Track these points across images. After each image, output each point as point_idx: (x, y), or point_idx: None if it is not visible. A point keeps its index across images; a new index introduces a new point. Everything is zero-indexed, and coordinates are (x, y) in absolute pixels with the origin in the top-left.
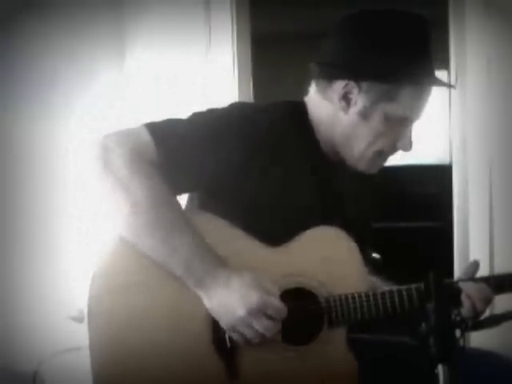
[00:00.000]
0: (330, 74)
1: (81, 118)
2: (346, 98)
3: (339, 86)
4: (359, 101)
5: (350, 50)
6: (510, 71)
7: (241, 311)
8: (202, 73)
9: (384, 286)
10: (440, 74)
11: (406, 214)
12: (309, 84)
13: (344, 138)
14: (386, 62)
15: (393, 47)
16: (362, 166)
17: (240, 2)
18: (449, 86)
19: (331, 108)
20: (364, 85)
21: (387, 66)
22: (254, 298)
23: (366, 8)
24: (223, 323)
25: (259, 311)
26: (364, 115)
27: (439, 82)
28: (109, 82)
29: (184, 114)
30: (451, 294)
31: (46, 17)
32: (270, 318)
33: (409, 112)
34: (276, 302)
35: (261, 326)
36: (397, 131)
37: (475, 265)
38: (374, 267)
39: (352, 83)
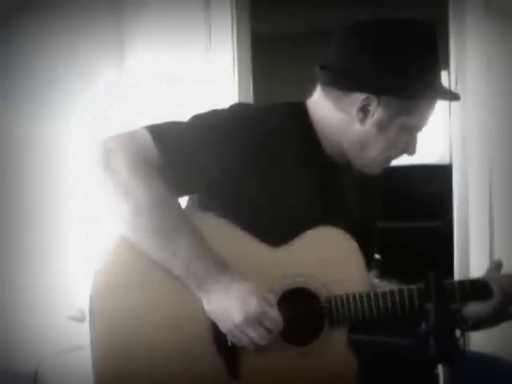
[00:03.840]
0: (346, 85)
1: (81, 118)
2: (364, 109)
3: (358, 98)
4: (377, 113)
5: (365, 63)
6: (510, 71)
7: (238, 318)
8: (201, 73)
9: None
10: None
11: (406, 214)
12: (314, 88)
13: (355, 146)
14: (404, 77)
15: (410, 61)
16: (368, 170)
17: (240, 1)
18: (457, 98)
19: (343, 116)
20: (383, 99)
21: (406, 81)
22: (252, 306)
23: (367, 9)
24: (221, 327)
25: (256, 320)
26: (381, 127)
27: (452, 95)
28: (109, 81)
29: (184, 114)
30: (474, 290)
31: (46, 17)
32: (265, 328)
33: (421, 122)
34: (274, 314)
35: (256, 335)
36: (407, 138)
37: (499, 263)
38: (376, 269)
39: (372, 97)
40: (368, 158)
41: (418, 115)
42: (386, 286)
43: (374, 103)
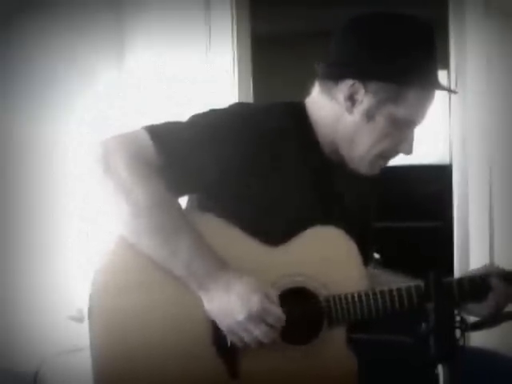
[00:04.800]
0: (336, 73)
1: (81, 118)
2: (351, 97)
3: (345, 85)
4: (365, 101)
5: (357, 51)
6: (510, 71)
7: (240, 316)
8: (201, 73)
9: (390, 278)
10: (440, 74)
11: (406, 214)
12: (312, 85)
13: (346, 139)
14: (393, 64)
15: (400, 50)
16: (362, 169)
17: (240, 1)
18: (452, 91)
19: (335, 108)
20: (370, 85)
21: (394, 67)
22: (254, 303)
23: (367, 9)
24: (222, 326)
25: (258, 317)
26: (369, 116)
27: (443, 87)
28: (109, 81)
29: (184, 114)
30: (473, 288)
31: (46, 17)
32: (268, 324)
33: (413, 115)
34: (275, 310)
35: (259, 331)
36: (399, 134)
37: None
38: (373, 264)
39: (358, 83)
40: (359, 153)
41: (407, 106)
42: (383, 275)
43: (362, 90)
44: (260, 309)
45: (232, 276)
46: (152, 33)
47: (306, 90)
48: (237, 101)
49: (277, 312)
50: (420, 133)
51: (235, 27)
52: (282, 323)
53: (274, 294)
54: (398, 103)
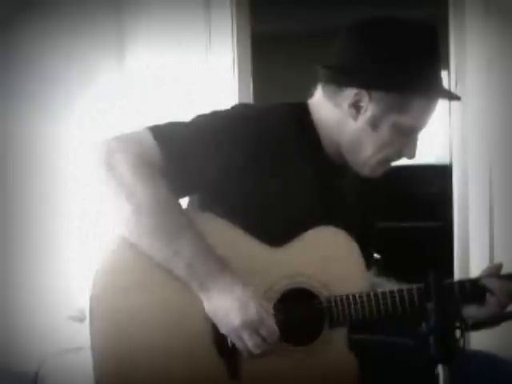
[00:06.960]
0: (340, 80)
1: (81, 118)
2: (356, 105)
3: (350, 93)
4: (369, 109)
5: (362, 58)
6: (510, 71)
7: (236, 321)
8: (201, 73)
9: (389, 287)
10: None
11: (406, 214)
12: (314, 87)
13: (350, 144)
14: (398, 73)
15: (406, 58)
16: (365, 172)
17: (240, 2)
18: (457, 98)
19: (339, 113)
20: (375, 94)
21: (399, 77)
22: (252, 311)
23: (369, 8)
24: (220, 327)
25: (253, 326)
26: (373, 124)
27: (448, 95)
28: (109, 82)
29: (184, 114)
30: (474, 290)
31: (46, 17)
32: (261, 336)
33: (417, 122)
34: (271, 323)
35: (250, 342)
36: (403, 140)
37: (499, 265)
38: (375, 267)
39: (363, 92)
40: (363, 159)
41: (411, 114)
42: (385, 283)
43: (366, 99)
44: (256, 318)
45: (233, 279)
46: (152, 33)
47: (306, 91)
48: (237, 101)
49: (271, 325)
50: (420, 133)
51: (235, 27)
52: (275, 338)
53: (271, 309)
54: (402, 112)
